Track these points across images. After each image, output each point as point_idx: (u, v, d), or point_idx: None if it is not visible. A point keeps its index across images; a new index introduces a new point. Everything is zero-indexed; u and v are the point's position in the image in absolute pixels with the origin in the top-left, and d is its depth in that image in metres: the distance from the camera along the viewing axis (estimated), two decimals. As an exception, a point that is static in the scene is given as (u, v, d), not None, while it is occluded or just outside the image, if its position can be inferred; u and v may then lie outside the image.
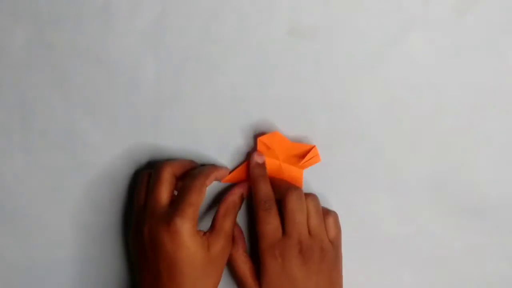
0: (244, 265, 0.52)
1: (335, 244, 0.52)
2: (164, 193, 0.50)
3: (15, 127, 0.54)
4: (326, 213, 0.52)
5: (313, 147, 0.53)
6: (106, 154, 0.54)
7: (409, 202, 0.54)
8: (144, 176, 0.52)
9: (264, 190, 0.52)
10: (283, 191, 0.51)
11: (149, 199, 0.50)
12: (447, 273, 0.55)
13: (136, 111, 0.54)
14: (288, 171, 0.54)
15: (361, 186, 0.54)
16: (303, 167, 0.53)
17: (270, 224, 0.51)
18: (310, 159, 0.53)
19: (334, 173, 0.54)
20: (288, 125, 0.54)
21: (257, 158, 0.53)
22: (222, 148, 0.54)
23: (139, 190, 0.52)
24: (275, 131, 0.53)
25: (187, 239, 0.47)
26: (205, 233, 0.49)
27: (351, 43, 0.52)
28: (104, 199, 0.55)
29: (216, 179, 0.53)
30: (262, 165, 0.53)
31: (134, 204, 0.52)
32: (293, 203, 0.50)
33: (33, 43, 0.53)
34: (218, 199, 0.55)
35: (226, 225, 0.50)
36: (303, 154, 0.53)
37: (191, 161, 0.53)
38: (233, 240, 0.52)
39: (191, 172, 0.51)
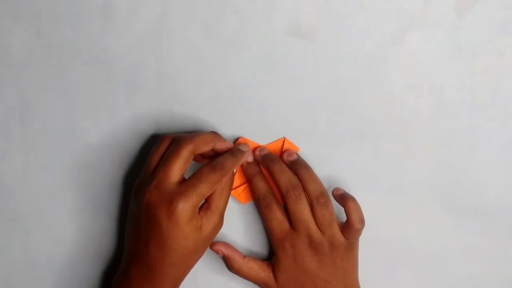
0: (251, 270, 0.52)
1: (350, 236, 0.51)
2: (176, 169, 0.48)
3: (15, 127, 0.54)
4: (347, 201, 0.51)
5: (284, 139, 0.53)
6: (106, 154, 0.54)
7: (409, 202, 0.54)
8: (165, 140, 0.51)
9: (261, 187, 0.52)
10: (282, 193, 0.51)
11: (161, 168, 0.49)
12: (447, 273, 0.55)
13: (136, 111, 0.54)
14: None
15: (361, 186, 0.54)
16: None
17: (274, 219, 0.51)
18: (287, 150, 0.53)
19: (334, 173, 0.54)
20: (288, 125, 0.54)
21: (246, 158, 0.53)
22: (222, 148, 0.54)
23: (154, 153, 0.50)
24: (240, 137, 0.53)
25: (183, 222, 0.47)
26: (199, 211, 0.49)
27: (351, 43, 0.52)
28: (104, 199, 0.55)
29: (218, 151, 0.52)
30: (253, 163, 0.53)
31: (145, 163, 0.51)
32: (293, 205, 0.51)
33: (33, 43, 0.53)
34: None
35: (221, 204, 0.50)
36: (280, 150, 0.53)
37: (213, 135, 0.51)
38: (227, 257, 0.53)
39: (215, 161, 0.49)
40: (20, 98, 0.54)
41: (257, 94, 0.53)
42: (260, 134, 0.54)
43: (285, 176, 0.52)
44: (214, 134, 0.51)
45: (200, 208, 0.49)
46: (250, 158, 0.53)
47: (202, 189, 0.48)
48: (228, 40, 0.53)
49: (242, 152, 0.52)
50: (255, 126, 0.54)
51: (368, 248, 0.54)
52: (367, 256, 0.54)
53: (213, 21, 0.52)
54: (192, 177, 0.49)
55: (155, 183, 0.48)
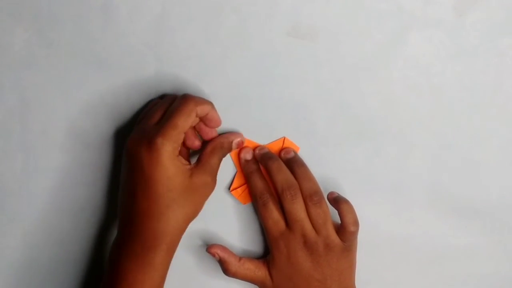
0: (248, 271, 0.52)
1: (346, 238, 0.51)
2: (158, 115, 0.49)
3: (15, 127, 0.54)
4: (340, 203, 0.51)
5: (284, 139, 0.53)
6: (106, 154, 0.54)
7: (409, 202, 0.54)
8: (167, 100, 0.50)
9: (258, 185, 0.52)
10: (278, 192, 0.51)
11: (165, 120, 0.48)
12: (447, 273, 0.55)
13: (136, 111, 0.54)
14: None
15: (361, 186, 0.54)
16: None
17: (270, 218, 0.51)
18: (285, 148, 0.53)
19: (334, 173, 0.54)
20: (288, 125, 0.54)
21: (244, 155, 0.53)
22: (222, 148, 0.54)
23: (153, 107, 0.51)
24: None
25: (165, 159, 0.47)
26: (190, 164, 0.49)
27: (351, 43, 0.52)
28: (104, 199, 0.55)
29: (210, 119, 0.51)
30: (252, 161, 0.53)
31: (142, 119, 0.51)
32: (288, 205, 0.51)
33: (33, 43, 0.53)
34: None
35: (212, 160, 0.50)
36: (279, 149, 0.53)
37: (210, 103, 0.51)
38: (223, 260, 0.52)
39: (185, 94, 0.50)
40: (20, 98, 0.54)
41: (257, 94, 0.53)
42: (260, 134, 0.54)
43: (282, 175, 0.52)
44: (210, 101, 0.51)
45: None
46: (248, 156, 0.53)
47: (176, 121, 0.47)
48: (228, 40, 0.53)
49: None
50: (255, 126, 0.54)
51: (368, 248, 0.54)
52: (367, 256, 0.54)
53: (213, 21, 0.52)
54: (165, 114, 0.49)
55: (139, 128, 0.49)
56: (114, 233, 0.55)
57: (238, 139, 0.52)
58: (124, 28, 0.53)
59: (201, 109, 0.49)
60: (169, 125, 0.47)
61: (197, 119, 0.50)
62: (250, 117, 0.53)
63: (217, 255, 0.52)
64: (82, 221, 0.55)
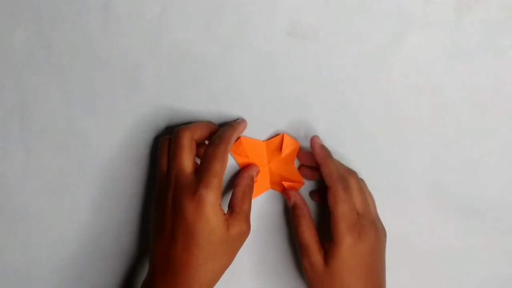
0: (310, 231, 0.51)
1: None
2: (186, 160, 0.49)
3: (15, 127, 0.54)
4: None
5: (283, 135, 0.53)
6: (106, 154, 0.54)
7: (409, 202, 0.54)
8: (164, 142, 0.51)
9: (337, 169, 0.50)
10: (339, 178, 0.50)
11: (172, 167, 0.49)
12: (447, 273, 0.55)
13: (136, 111, 0.54)
14: (280, 170, 0.54)
15: (361, 186, 0.54)
16: (288, 160, 0.53)
17: (348, 203, 0.49)
18: (288, 147, 0.53)
19: (334, 173, 0.54)
20: (288, 125, 0.54)
21: (317, 141, 0.52)
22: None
23: (160, 157, 0.51)
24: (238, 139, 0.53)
25: (210, 210, 0.47)
26: (225, 213, 0.49)
27: (351, 43, 0.52)
28: (104, 199, 0.55)
29: (237, 136, 0.52)
30: (323, 146, 0.52)
31: (157, 171, 0.51)
32: (353, 185, 0.50)
33: (33, 43, 0.53)
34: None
35: (245, 207, 0.50)
36: (279, 146, 0.53)
37: (208, 123, 0.52)
38: (298, 206, 0.52)
39: (212, 139, 0.50)
40: (20, 98, 0.54)
41: (257, 94, 0.53)
42: (260, 134, 0.54)
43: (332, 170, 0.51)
44: (209, 122, 0.52)
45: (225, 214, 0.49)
46: (319, 140, 0.52)
47: (216, 167, 0.47)
48: (228, 40, 0.53)
49: (238, 122, 0.52)
50: (255, 126, 0.54)
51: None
52: (367, 256, 0.54)
53: (213, 21, 0.52)
54: (202, 161, 0.49)
55: (173, 180, 0.48)
56: (114, 233, 0.55)
57: (256, 170, 0.53)
58: (124, 28, 0.53)
59: (232, 144, 0.50)
60: (209, 174, 0.47)
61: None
62: (250, 117, 0.53)
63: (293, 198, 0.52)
64: (82, 221, 0.55)
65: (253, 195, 0.52)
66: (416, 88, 0.53)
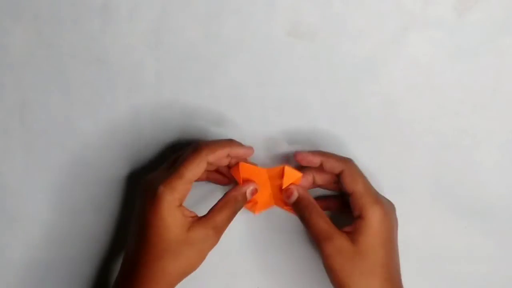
0: (323, 218, 0.48)
1: None
2: (190, 169, 0.47)
3: (15, 127, 0.54)
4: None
5: (284, 168, 0.50)
6: (106, 154, 0.54)
7: (409, 202, 0.54)
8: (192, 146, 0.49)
9: (339, 155, 0.50)
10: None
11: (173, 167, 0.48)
12: (447, 273, 0.55)
13: (136, 111, 0.54)
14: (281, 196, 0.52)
15: (361, 186, 0.54)
16: (288, 190, 0.50)
17: (366, 178, 0.49)
18: (289, 179, 0.50)
19: (334, 173, 0.54)
20: (289, 125, 0.54)
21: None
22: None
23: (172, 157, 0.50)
24: (239, 163, 0.50)
25: (164, 209, 0.46)
26: (194, 216, 0.48)
27: (351, 43, 0.52)
28: (104, 199, 0.55)
29: (235, 157, 0.49)
30: (313, 152, 0.50)
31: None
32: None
33: (33, 43, 0.53)
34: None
35: (218, 218, 0.48)
36: (280, 175, 0.51)
37: (229, 140, 0.49)
38: (303, 197, 0.49)
39: (198, 142, 0.48)
40: (20, 98, 0.54)
41: (257, 94, 0.53)
42: (260, 134, 0.54)
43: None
44: (230, 140, 0.50)
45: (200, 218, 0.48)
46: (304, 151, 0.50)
47: (183, 170, 0.46)
48: (228, 40, 0.53)
49: (242, 144, 0.50)
50: (255, 126, 0.54)
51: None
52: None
53: (213, 21, 0.52)
54: (176, 162, 0.48)
55: (155, 174, 0.48)
56: (114, 233, 0.55)
57: (251, 187, 0.50)
58: (124, 28, 0.53)
59: (214, 157, 0.48)
60: (174, 174, 0.46)
61: (215, 165, 0.50)
62: (250, 117, 0.53)
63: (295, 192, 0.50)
64: (82, 221, 0.55)
65: (252, 210, 0.52)
66: (416, 88, 0.53)
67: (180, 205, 0.47)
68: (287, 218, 0.55)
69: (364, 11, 0.52)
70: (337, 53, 0.52)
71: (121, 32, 0.53)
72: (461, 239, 0.54)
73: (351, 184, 0.48)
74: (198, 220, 0.48)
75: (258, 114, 0.53)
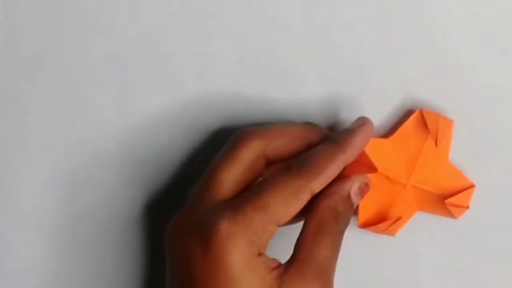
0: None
1: None
2: (226, 177, 0.30)
3: (15, 127, 0.54)
4: None
5: (420, 111, 0.34)
6: (106, 155, 0.54)
7: (409, 202, 0.54)
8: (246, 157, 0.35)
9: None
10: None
11: (202, 181, 0.30)
12: (447, 273, 0.55)
13: (136, 111, 0.54)
14: (430, 175, 0.37)
15: (361, 186, 0.54)
16: (442, 153, 0.34)
17: None
18: (440, 129, 0.34)
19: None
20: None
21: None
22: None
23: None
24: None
25: (235, 265, 0.27)
26: (279, 265, 0.30)
27: (351, 43, 0.52)
28: (106, 199, 0.55)
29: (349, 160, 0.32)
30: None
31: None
32: None
33: (34, 43, 0.53)
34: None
35: (318, 252, 0.30)
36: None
37: (301, 126, 0.33)
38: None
39: (298, 158, 0.30)
40: (21, 98, 0.54)
41: (257, 94, 0.53)
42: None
43: None
44: (305, 124, 0.33)
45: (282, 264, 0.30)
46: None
47: (269, 201, 0.28)
48: (228, 40, 0.53)
49: (360, 126, 0.32)
50: (256, 126, 0.54)
51: (368, 248, 0.54)
52: (366, 256, 0.54)
53: (213, 21, 0.53)
54: (252, 187, 0.30)
55: (188, 204, 0.31)
56: (113, 233, 0.55)
57: (360, 182, 0.34)
58: (124, 28, 0.53)
59: (318, 185, 0.30)
60: (252, 205, 0.28)
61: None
62: (250, 117, 0.54)
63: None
64: (82, 221, 0.55)
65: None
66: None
67: (261, 253, 0.30)
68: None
69: (365, 11, 0.52)
70: (337, 53, 0.52)
71: (121, 32, 0.53)
72: (461, 239, 0.54)
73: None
74: (289, 269, 0.29)
75: (259, 114, 0.53)
